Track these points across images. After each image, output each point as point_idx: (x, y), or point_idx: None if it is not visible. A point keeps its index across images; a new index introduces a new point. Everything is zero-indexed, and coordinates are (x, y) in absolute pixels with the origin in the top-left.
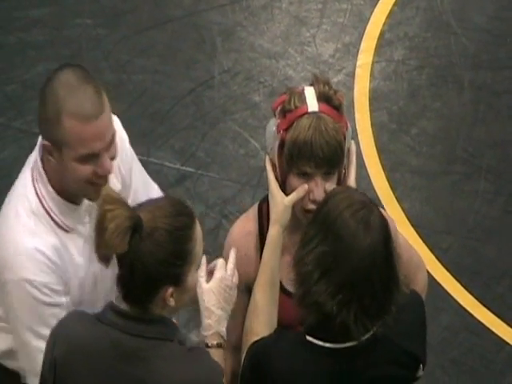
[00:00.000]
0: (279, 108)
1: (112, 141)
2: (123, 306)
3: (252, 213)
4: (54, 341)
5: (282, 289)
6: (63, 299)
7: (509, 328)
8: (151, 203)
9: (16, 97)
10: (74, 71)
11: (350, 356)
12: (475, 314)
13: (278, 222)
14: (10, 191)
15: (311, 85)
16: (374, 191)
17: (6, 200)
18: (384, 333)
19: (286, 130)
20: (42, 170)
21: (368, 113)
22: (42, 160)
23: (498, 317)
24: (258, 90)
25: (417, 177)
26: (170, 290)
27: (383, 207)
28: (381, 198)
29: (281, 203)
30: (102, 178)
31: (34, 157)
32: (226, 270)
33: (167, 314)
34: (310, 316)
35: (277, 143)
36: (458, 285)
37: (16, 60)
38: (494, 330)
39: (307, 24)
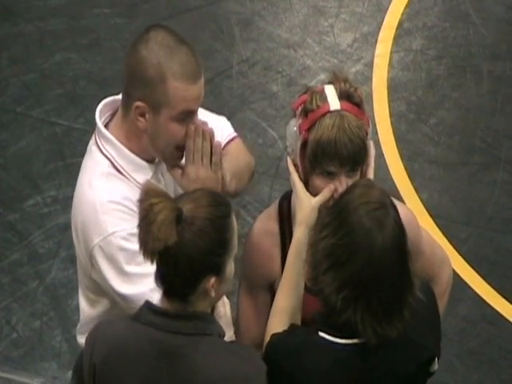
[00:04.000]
0: (300, 108)
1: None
2: (160, 304)
3: (273, 211)
4: (92, 346)
5: (305, 286)
6: None
7: None
8: (188, 195)
9: (34, 86)
10: (167, 32)
11: (362, 352)
12: (493, 305)
13: (304, 223)
14: (80, 170)
15: (330, 82)
16: (392, 181)
17: (78, 179)
18: None
19: (309, 130)
20: (107, 133)
21: (386, 103)
22: (104, 120)
23: None
24: (277, 79)
25: (435, 167)
26: (213, 279)
27: (401, 197)
28: (399, 188)
29: (308, 205)
30: None
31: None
32: None
33: (205, 308)
34: (321, 307)
35: (299, 144)
36: (477, 275)
37: (34, 49)
38: None
39: (325, 14)
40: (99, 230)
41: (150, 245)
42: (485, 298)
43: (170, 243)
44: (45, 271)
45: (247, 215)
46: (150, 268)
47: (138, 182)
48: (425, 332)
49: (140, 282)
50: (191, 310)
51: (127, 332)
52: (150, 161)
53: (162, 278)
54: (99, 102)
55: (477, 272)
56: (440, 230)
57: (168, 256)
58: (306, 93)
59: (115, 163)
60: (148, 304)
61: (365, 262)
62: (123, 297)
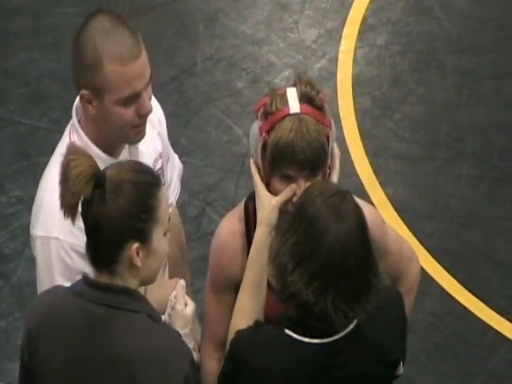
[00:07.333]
0: (261, 110)
1: (149, 80)
2: (94, 276)
3: (238, 212)
4: (31, 312)
5: (268, 284)
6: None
7: (493, 312)
8: (116, 163)
9: None
10: (106, 16)
11: (328, 352)
12: (459, 299)
13: (265, 223)
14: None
15: (294, 85)
16: (358, 176)
17: (48, 164)
18: (364, 330)
19: (268, 132)
20: (78, 125)
21: (351, 98)
22: (78, 116)
23: (482, 301)
24: (241, 76)
25: (400, 162)
26: (136, 245)
27: (367, 192)
28: (364, 184)
29: (269, 204)
30: (143, 118)
31: (72, 120)
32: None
33: (135, 281)
34: (289, 310)
35: (260, 146)
36: (442, 269)
37: None
38: (478, 314)
39: (290, 10)
40: (47, 226)
41: (66, 200)
42: (450, 292)
43: (85, 196)
44: (10, 271)
45: (213, 213)
46: None
47: None
48: (392, 335)
49: None
50: (120, 283)
51: (62, 301)
52: (113, 153)
53: (87, 245)
54: (63, 101)
55: (442, 266)
56: (405, 225)
57: (90, 219)
58: (267, 95)
59: None
60: (83, 275)
61: (328, 249)
62: None
